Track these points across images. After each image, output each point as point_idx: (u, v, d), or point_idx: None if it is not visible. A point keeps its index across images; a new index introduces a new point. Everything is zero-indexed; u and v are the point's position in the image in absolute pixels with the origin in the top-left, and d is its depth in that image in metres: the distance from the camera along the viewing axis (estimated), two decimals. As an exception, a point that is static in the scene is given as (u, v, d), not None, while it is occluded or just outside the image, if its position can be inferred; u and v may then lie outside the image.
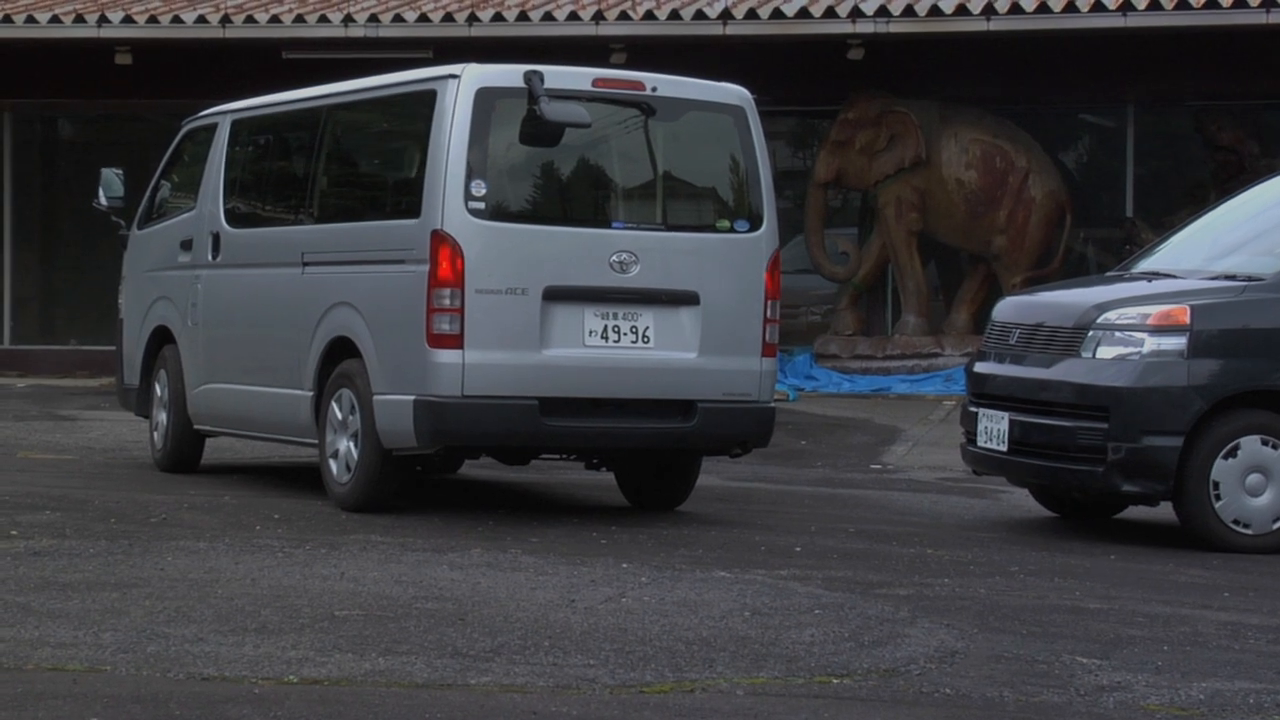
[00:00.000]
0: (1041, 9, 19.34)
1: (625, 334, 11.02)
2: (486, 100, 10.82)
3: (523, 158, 11.19)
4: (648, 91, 11.23)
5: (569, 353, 10.90)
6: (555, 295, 10.86)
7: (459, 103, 10.75)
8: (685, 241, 11.26)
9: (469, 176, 10.72)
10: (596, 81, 11.17)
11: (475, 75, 10.87)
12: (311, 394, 11.49)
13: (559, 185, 11.47)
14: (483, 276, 10.72)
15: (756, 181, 11.41)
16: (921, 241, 20.71)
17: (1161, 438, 10.52)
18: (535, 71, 10.83)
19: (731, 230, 11.36)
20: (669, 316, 11.11)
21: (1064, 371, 10.85)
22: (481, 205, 10.75)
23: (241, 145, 12.91)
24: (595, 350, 10.97)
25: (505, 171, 11.04)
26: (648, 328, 11.03)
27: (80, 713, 6.14)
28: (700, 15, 19.96)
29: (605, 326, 10.97)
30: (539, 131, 10.93)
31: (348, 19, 20.62)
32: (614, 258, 10.97)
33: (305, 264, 11.75)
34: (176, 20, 20.90)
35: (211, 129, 13.14)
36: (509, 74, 10.94)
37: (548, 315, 10.85)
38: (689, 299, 11.09)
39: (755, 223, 11.38)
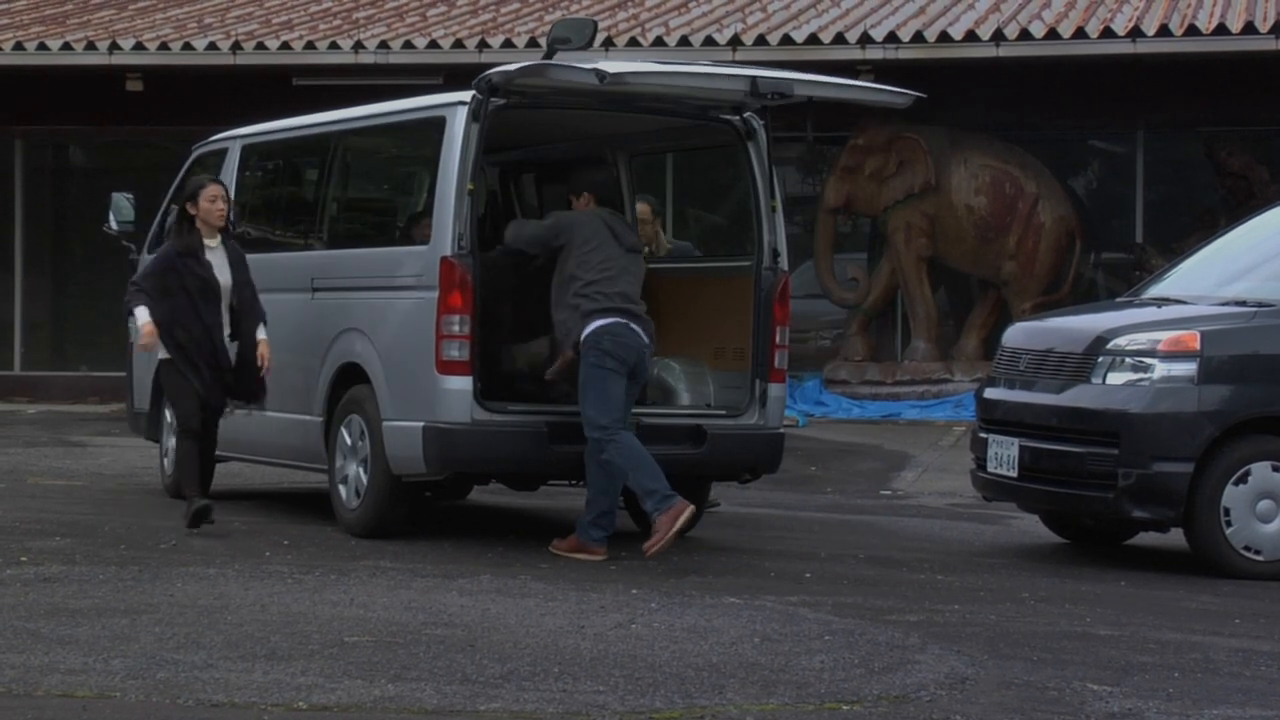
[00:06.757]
0: (1051, 35, 19.36)
1: None
2: (496, 126, 10.80)
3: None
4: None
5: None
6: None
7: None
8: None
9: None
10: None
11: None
12: (321, 419, 11.49)
13: None
14: (492, 302, 10.72)
15: None
16: (931, 267, 20.71)
17: (1172, 464, 10.50)
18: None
19: None
20: None
21: (1074, 397, 10.82)
22: (492, 232, 10.76)
23: (251, 170, 12.91)
24: None
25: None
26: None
27: (89, 739, 6.15)
28: (710, 41, 19.99)
29: None
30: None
31: (358, 45, 20.67)
32: None
33: (315, 290, 11.75)
34: (187, 47, 20.96)
35: (221, 154, 13.15)
36: (518, 101, 10.92)
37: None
38: None
39: None
